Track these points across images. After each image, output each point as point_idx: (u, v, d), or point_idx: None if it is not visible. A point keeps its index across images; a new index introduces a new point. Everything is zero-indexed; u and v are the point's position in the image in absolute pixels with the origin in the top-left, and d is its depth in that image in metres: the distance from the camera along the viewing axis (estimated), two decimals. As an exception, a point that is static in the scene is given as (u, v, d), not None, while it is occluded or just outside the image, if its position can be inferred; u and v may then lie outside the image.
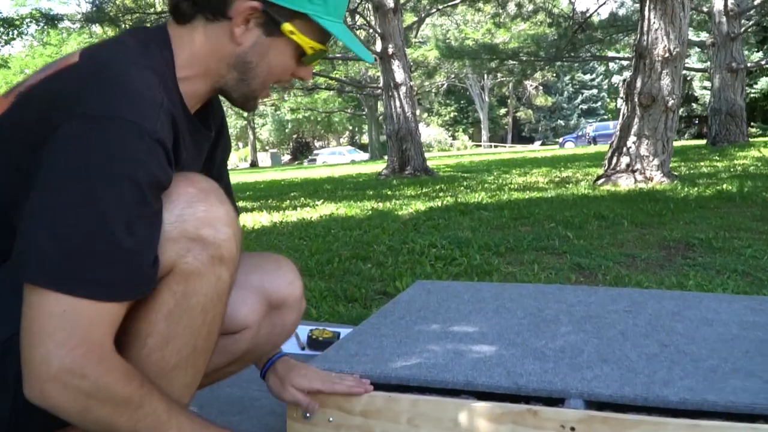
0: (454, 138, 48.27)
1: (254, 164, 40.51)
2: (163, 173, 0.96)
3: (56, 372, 0.87)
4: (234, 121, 42.36)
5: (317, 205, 7.59)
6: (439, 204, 6.61)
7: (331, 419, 1.35)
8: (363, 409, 1.34)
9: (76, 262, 0.88)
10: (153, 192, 0.95)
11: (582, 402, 1.29)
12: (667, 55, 7.31)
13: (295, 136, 50.12)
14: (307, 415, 1.35)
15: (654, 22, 7.36)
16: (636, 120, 7.48)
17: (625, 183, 7.43)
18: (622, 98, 7.90)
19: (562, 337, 1.62)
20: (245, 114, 38.54)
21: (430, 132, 44.59)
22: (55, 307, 0.87)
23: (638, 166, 7.47)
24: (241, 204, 8.64)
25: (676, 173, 8.15)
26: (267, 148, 49.91)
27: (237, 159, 47.21)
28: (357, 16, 14.52)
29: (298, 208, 7.29)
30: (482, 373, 1.39)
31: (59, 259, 0.87)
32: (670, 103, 7.34)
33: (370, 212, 6.30)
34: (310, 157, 41.40)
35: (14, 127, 0.98)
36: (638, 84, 7.47)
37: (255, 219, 6.37)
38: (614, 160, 7.69)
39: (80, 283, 0.88)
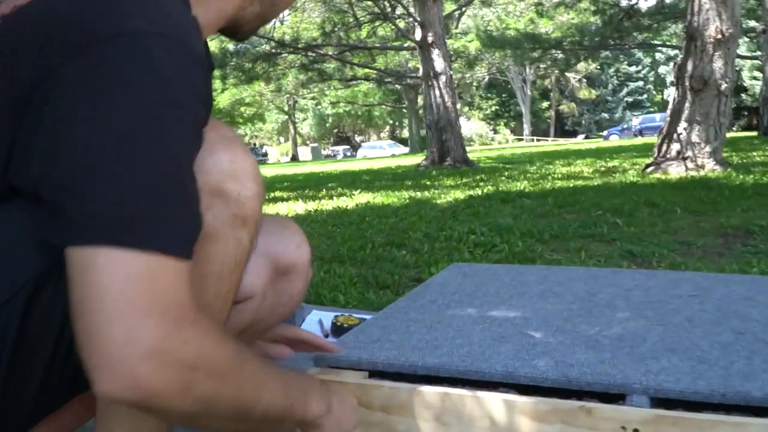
0: (495, 132, 47.74)
1: (294, 158, 40.60)
2: (209, 106, 0.80)
3: (150, 348, 0.66)
4: (275, 115, 42.53)
5: (354, 194, 7.40)
6: (479, 192, 6.37)
7: (346, 414, 1.15)
8: (384, 403, 1.14)
9: (150, 212, 0.69)
10: (202, 128, 0.78)
11: (647, 399, 1.07)
12: (719, 36, 6.94)
13: (335, 130, 50.14)
14: None
15: (705, 2, 7.00)
16: (687, 105, 7.12)
17: (675, 171, 7.09)
18: (672, 83, 7.54)
19: (620, 323, 1.39)
20: (285, 108, 38.66)
21: (471, 126, 44.14)
22: (134, 267, 0.67)
23: (689, 153, 7.12)
24: (277, 194, 8.52)
25: (728, 162, 7.75)
26: (308, 142, 50.02)
27: (278, 153, 47.45)
28: (397, 5, 14.31)
29: (335, 198, 7.12)
30: (525, 363, 1.17)
31: (131, 210, 0.68)
32: (722, 87, 6.97)
33: (407, 201, 6.09)
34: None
35: None
36: (689, 67, 7.11)
37: (290, 208, 6.22)
38: (664, 148, 7.35)
39: (159, 235, 0.69)
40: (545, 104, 48.38)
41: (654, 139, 8.29)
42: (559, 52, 18.25)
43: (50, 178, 0.70)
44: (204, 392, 0.71)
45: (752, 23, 18.36)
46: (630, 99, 47.48)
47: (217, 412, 0.74)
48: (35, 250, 0.75)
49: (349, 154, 40.86)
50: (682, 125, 7.15)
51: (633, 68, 46.74)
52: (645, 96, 47.83)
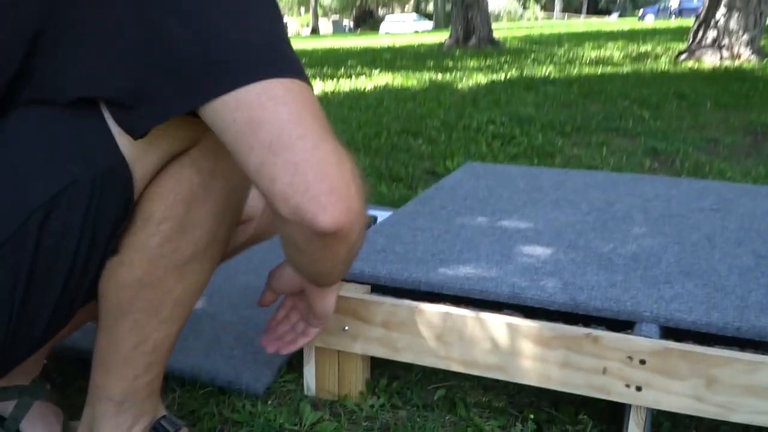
0: (524, 8, 45.94)
1: (315, 31, 39.52)
2: None
3: (352, 166, 0.69)
4: (296, -16, 41.05)
5: (373, 74, 7.21)
6: (503, 77, 6.17)
7: (346, 328, 1.13)
8: (385, 319, 1.11)
9: (283, 48, 0.71)
10: None
11: (657, 328, 1.03)
12: None
13: (358, 2, 48.47)
14: (345, 327, 1.13)
15: None
16: (728, -11, 6.73)
17: (709, 59, 6.80)
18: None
19: (635, 240, 1.34)
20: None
21: (499, 2, 42.45)
22: (305, 93, 0.68)
23: (726, 41, 6.80)
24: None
25: (766, 53, 7.41)
26: (329, 14, 48.54)
27: (298, 25, 46.22)
28: None
29: (353, 77, 6.94)
30: (533, 284, 1.13)
31: (271, 48, 0.69)
32: (769, -29, 6.56)
33: (427, 84, 5.92)
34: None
35: None
36: (735, -53, 6.66)
37: (307, 87, 6.08)
38: (699, 34, 7.02)
39: (298, 67, 0.71)
40: (578, -20, 46.21)
41: (692, 21, 7.91)
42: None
43: (182, 43, 0.67)
44: (359, 231, 0.72)
45: None
46: (669, -24, 45.21)
47: (353, 253, 0.76)
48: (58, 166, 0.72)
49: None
50: (721, 11, 6.78)
51: (674, -57, 44.18)
52: (685, -27, 45.49)
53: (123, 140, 0.73)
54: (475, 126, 3.70)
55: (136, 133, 0.71)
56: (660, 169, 2.85)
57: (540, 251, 1.27)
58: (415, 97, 5.00)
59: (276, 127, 0.65)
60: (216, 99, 0.66)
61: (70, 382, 1.21)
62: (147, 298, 0.82)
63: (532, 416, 1.11)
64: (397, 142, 3.34)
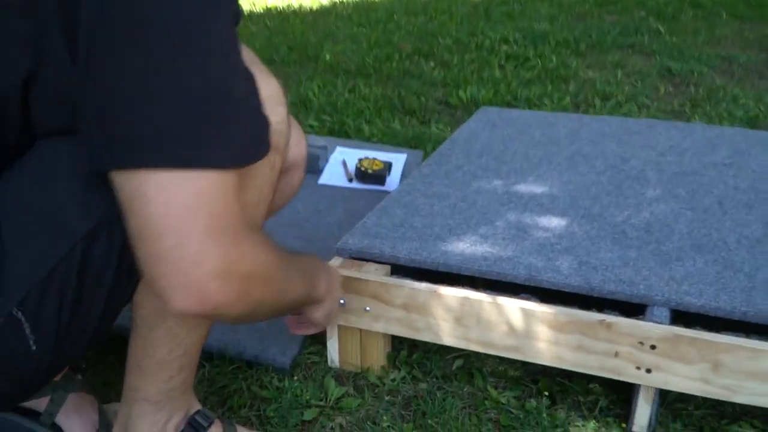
0: None
1: None
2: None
3: (216, 267, 0.67)
4: None
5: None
6: (515, -19, 5.96)
7: (367, 308, 1.18)
8: (405, 302, 1.15)
9: (204, 125, 0.65)
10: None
11: (667, 312, 1.07)
12: None
13: None
14: (342, 302, 1.18)
15: None
16: None
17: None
18: None
19: (649, 206, 1.36)
20: None
21: None
22: (191, 188, 0.65)
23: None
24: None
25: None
26: None
27: None
28: None
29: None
30: (548, 264, 1.16)
31: (182, 127, 0.64)
32: None
33: (438, -9, 5.74)
34: None
35: None
36: None
37: (315, -5, 5.91)
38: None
39: (215, 150, 0.66)
40: None
41: None
42: None
43: (93, 98, 0.65)
44: (257, 296, 0.75)
45: None
46: None
47: (263, 309, 0.79)
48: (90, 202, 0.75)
49: None
50: None
51: None
52: None
53: None
54: (488, 45, 3.63)
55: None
56: (675, 94, 2.82)
57: (555, 223, 1.30)
58: (426, 8, 4.87)
59: (142, 221, 0.65)
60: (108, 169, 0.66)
61: (102, 357, 1.28)
62: None
63: (546, 393, 1.18)
64: (408, 67, 3.29)
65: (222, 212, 0.67)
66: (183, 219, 0.65)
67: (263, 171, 0.87)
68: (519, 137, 1.74)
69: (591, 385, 1.19)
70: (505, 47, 3.58)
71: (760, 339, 1.01)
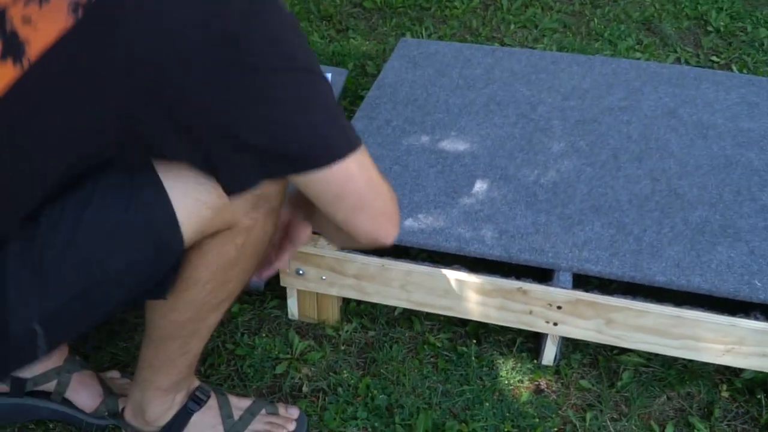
0: None
1: None
2: None
3: (394, 208, 0.97)
4: None
5: None
6: None
7: (323, 277, 1.38)
8: (356, 273, 1.36)
9: (340, 123, 0.89)
10: None
11: (570, 276, 1.32)
12: None
13: None
14: (300, 271, 1.37)
15: None
16: None
17: None
18: None
19: (555, 163, 1.58)
20: None
21: None
22: (365, 160, 0.91)
23: None
24: None
25: None
26: None
27: None
28: None
29: None
30: (474, 234, 1.38)
31: (334, 129, 0.88)
32: None
33: None
34: None
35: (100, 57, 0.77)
36: None
37: None
38: None
39: (351, 133, 0.90)
40: None
41: None
42: None
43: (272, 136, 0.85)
44: None
45: None
46: None
47: None
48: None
49: None
50: None
51: None
52: None
53: (181, 216, 0.90)
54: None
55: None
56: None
57: (477, 187, 1.51)
58: None
59: (356, 196, 0.91)
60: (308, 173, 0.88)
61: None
62: (190, 327, 1.05)
63: (474, 340, 1.44)
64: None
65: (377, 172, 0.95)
66: (377, 181, 0.93)
67: (261, 231, 1.04)
68: (439, 80, 1.89)
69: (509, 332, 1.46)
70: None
71: (644, 299, 1.29)
